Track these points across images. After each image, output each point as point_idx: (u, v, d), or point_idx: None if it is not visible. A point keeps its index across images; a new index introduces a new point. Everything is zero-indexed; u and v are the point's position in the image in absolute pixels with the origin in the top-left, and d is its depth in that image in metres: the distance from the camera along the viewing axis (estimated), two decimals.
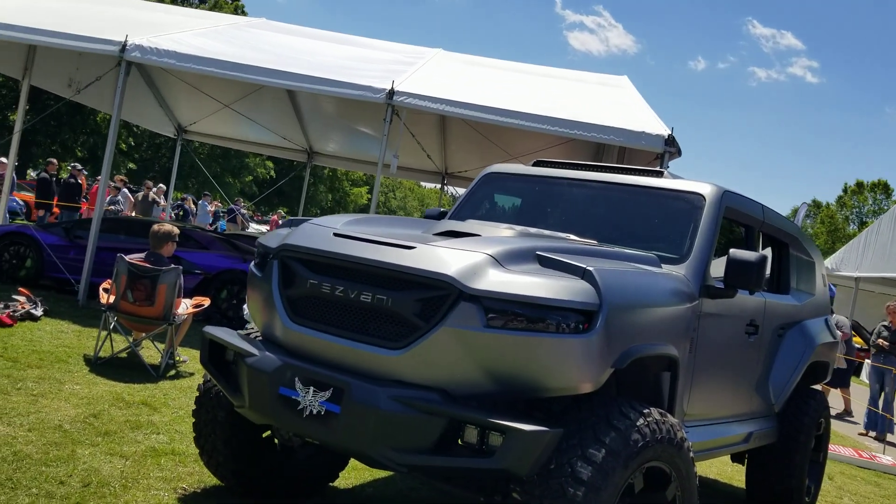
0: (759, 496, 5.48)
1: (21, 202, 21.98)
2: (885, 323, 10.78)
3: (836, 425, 11.38)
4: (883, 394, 10.63)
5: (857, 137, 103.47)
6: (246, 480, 4.04)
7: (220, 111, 14.30)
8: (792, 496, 5.32)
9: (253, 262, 3.81)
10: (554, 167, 5.09)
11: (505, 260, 3.17)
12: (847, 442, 9.89)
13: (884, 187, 58.97)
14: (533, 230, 4.14)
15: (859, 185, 60.91)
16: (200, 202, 25.22)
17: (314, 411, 3.10)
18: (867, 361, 11.23)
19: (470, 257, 3.13)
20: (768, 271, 5.57)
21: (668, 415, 3.32)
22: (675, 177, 4.75)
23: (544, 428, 2.89)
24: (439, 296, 3.05)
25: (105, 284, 6.84)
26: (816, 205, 65.14)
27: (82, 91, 11.34)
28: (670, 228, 4.43)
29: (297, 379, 3.19)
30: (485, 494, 3.29)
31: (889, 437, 10.64)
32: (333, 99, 13.02)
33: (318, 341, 3.27)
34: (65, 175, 18.06)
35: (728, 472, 6.79)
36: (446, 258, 3.13)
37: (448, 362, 3.03)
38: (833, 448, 8.80)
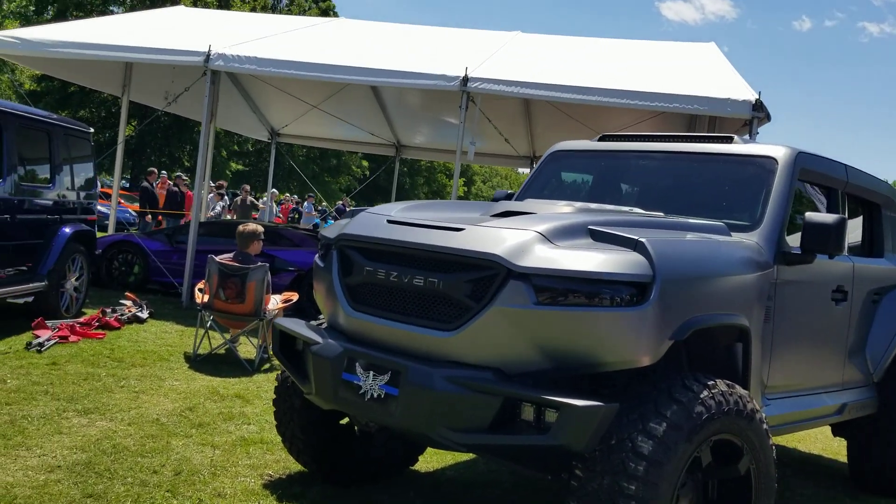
0: (862, 469, 5.21)
1: (133, 213, 23.34)
2: None
3: None
4: None
5: None
6: (326, 466, 4.18)
7: (310, 112, 14.72)
8: None
9: (317, 254, 3.93)
10: (620, 140, 4.99)
11: (554, 236, 3.15)
12: None
13: None
14: (594, 206, 4.08)
15: None
16: (305, 204, 26.07)
17: (375, 395, 3.18)
18: None
19: (518, 235, 3.12)
20: (859, 235, 5.27)
21: (737, 386, 3.21)
22: (747, 142, 4.56)
23: (598, 403, 2.85)
24: (488, 275, 3.06)
25: (200, 285, 7.19)
26: None
27: (175, 102, 11.90)
28: (741, 195, 4.27)
29: (357, 364, 3.28)
30: (551, 472, 3.28)
31: None
32: (416, 91, 13.17)
33: (376, 327, 3.34)
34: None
35: (834, 447, 6.48)
36: (494, 238, 3.14)
37: (500, 341, 3.04)
38: None
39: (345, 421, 4.22)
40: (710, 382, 3.10)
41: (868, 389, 4.97)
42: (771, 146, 4.38)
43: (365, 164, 50.40)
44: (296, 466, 4.40)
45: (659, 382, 3.08)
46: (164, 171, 18.26)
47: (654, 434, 2.88)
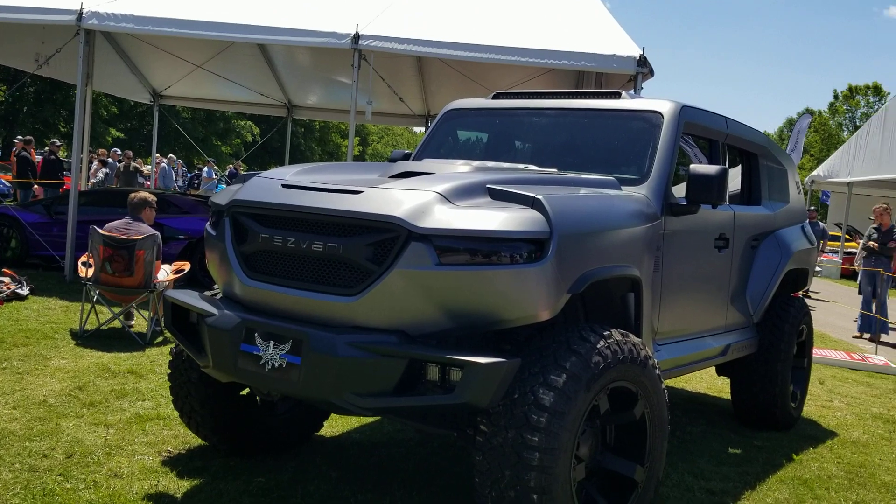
0: (744, 406, 5.55)
1: (6, 183, 21.85)
2: (875, 225, 10.78)
3: (830, 329, 11.52)
4: (875, 296, 10.69)
5: (847, 43, 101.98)
6: (228, 439, 4.09)
7: (194, 72, 14.10)
8: (776, 403, 5.39)
9: (208, 222, 3.78)
10: (514, 98, 5.02)
11: (453, 196, 3.14)
12: (840, 346, 9.99)
13: (875, 90, 58.27)
14: (491, 164, 4.10)
15: (851, 89, 60.16)
16: (206, 169, 24.88)
17: (276, 364, 3.12)
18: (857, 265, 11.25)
19: (417, 196, 3.10)
20: (739, 184, 5.54)
21: (630, 334, 3.33)
22: (634, 97, 4.68)
23: (501, 359, 2.90)
24: (389, 238, 3.03)
25: (83, 258, 6.83)
26: (809, 113, 64.60)
27: (47, 64, 11.12)
28: (630, 150, 4.39)
29: (256, 334, 3.20)
30: (457, 429, 3.33)
31: (883, 338, 10.74)
32: (305, 49, 12.80)
33: (275, 295, 3.26)
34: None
35: (718, 385, 6.87)
36: (394, 199, 3.11)
37: (403, 304, 3.03)
38: (825, 352, 8.91)
39: (245, 391, 4.13)
40: (606, 333, 3.20)
41: (749, 330, 5.28)
42: (656, 101, 4.50)
43: (252, 125, 48.85)
44: (196, 441, 4.29)
45: (558, 335, 3.16)
46: (22, 136, 16.92)
47: (555, 385, 2.96)
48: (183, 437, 4.35)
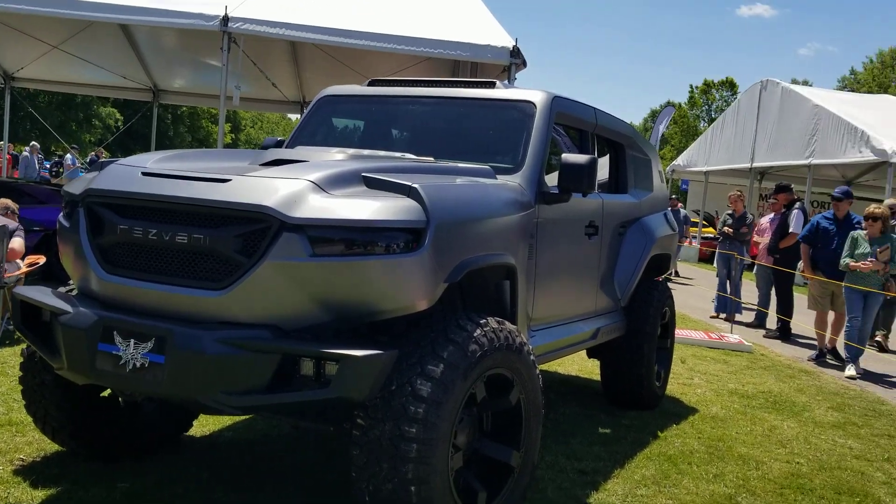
0: (613, 387, 5.77)
1: None
2: (729, 211, 11.48)
3: (689, 311, 12.18)
4: (730, 278, 11.39)
5: (703, 40, 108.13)
6: (88, 443, 3.84)
7: (51, 53, 13.17)
8: (642, 382, 5.63)
9: (61, 213, 3.52)
10: (389, 85, 4.97)
11: (327, 185, 3.06)
12: (699, 326, 10.59)
13: (730, 85, 62.10)
14: (366, 152, 4.04)
15: (707, 84, 63.86)
16: (68, 156, 23.25)
17: (138, 364, 2.93)
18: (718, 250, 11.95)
19: (290, 185, 3.00)
20: (607, 173, 5.73)
21: (506, 322, 3.37)
22: (508, 87, 4.73)
23: (377, 351, 2.86)
24: (260, 229, 2.92)
25: None
26: (671, 106, 68.05)
27: None
28: (505, 139, 4.44)
29: (115, 333, 3.00)
30: (333, 424, 3.26)
31: (737, 318, 11.46)
32: (172, 30, 12.19)
33: (136, 290, 3.07)
34: None
35: (588, 367, 7.11)
36: (264, 188, 2.99)
37: (276, 297, 2.93)
38: (685, 332, 9.41)
39: (107, 392, 3.89)
40: (483, 321, 3.22)
41: (617, 314, 5.48)
42: (530, 91, 4.57)
43: (118, 115, 46.31)
44: (53, 447, 4.01)
45: (435, 325, 3.15)
46: None
47: (433, 375, 2.95)
48: (38, 444, 4.05)
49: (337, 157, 3.64)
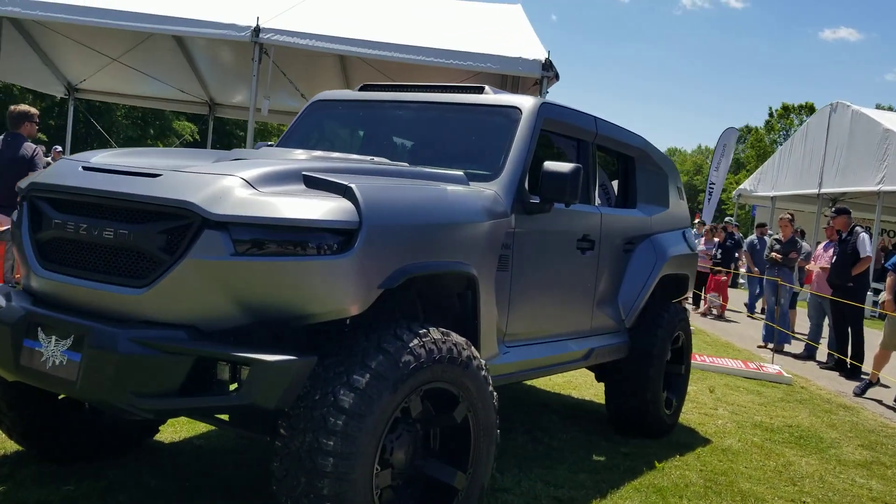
0: (616, 412, 5.46)
1: None
2: (777, 236, 10.93)
3: (737, 339, 11.64)
4: (778, 306, 10.82)
5: (784, 63, 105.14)
6: (43, 443, 3.78)
7: (112, 66, 13.60)
8: (648, 410, 5.30)
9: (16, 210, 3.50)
10: (381, 90, 4.85)
11: (259, 182, 2.93)
12: (742, 355, 10.07)
13: (809, 109, 60.03)
14: (335, 154, 3.90)
15: (785, 108, 62.01)
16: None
17: (56, 362, 2.85)
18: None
19: (218, 181, 2.88)
20: (616, 186, 5.46)
21: (453, 333, 3.17)
22: (497, 93, 4.55)
23: (291, 357, 2.70)
24: (182, 225, 2.81)
25: None
26: (748, 130, 66.20)
27: None
28: (486, 145, 4.25)
29: (39, 329, 2.93)
30: (269, 434, 3.11)
31: (787, 349, 10.88)
32: (225, 45, 12.41)
33: (66, 287, 3.00)
34: None
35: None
36: (191, 183, 2.88)
37: (195, 296, 2.81)
38: (721, 361, 8.96)
39: None
40: (422, 331, 3.03)
41: (620, 335, 5.19)
42: (517, 96, 4.39)
43: (191, 126, 47.75)
44: (12, 446, 3.97)
45: (371, 333, 2.98)
46: None
47: (357, 386, 2.78)
48: (2, 442, 4.02)
49: (298, 157, 3.52)
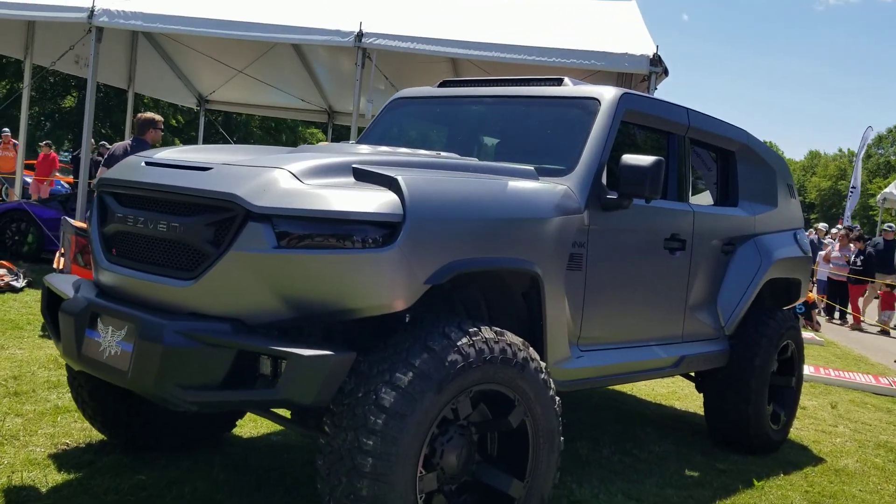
0: (715, 425, 5.09)
1: (66, 185, 22.63)
2: None
3: (873, 353, 10.72)
4: None
5: None
6: (121, 433, 3.90)
7: (237, 77, 14.26)
8: (749, 423, 4.89)
9: None
10: (459, 86, 4.74)
11: (306, 174, 2.88)
12: (875, 369, 9.23)
13: None
14: (402, 150, 3.81)
15: None
16: None
17: (112, 352, 2.91)
18: None
19: (264, 173, 2.86)
20: (718, 182, 5.09)
21: (508, 333, 3.00)
22: (577, 84, 4.33)
23: (328, 352, 2.62)
24: (227, 218, 2.80)
25: (62, 249, 6.83)
26: (870, 128, 61.25)
27: (86, 65, 11.33)
28: (562, 138, 4.05)
29: (99, 319, 3.01)
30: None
31: None
32: (341, 53, 12.69)
33: (126, 279, 3.06)
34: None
35: None
36: (238, 176, 2.87)
37: (240, 289, 2.78)
38: (849, 375, 8.24)
39: None
40: (473, 329, 2.88)
41: (717, 342, 4.82)
42: (597, 87, 4.16)
43: (320, 133, 49.42)
44: (99, 435, 4.12)
45: (418, 330, 2.86)
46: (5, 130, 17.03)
47: (399, 385, 2.67)
48: (90, 431, 4.19)
49: (356, 152, 3.46)
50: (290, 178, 2.84)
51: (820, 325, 13.07)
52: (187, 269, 2.86)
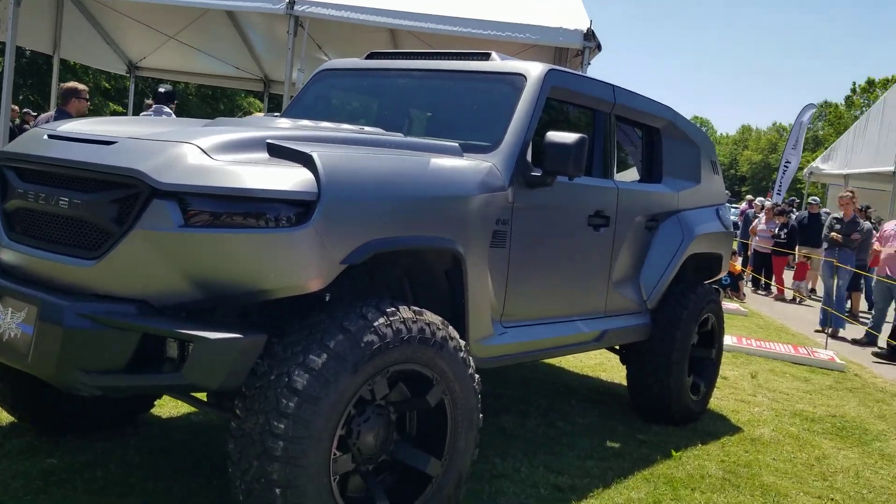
0: (638, 396, 5.19)
1: None
2: (837, 215, 10.31)
3: (795, 322, 11.09)
4: (836, 289, 10.24)
5: (871, 35, 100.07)
6: (34, 415, 3.77)
7: (168, 43, 13.79)
8: (670, 395, 5.01)
9: None
10: (387, 58, 4.65)
11: (215, 150, 2.78)
12: (795, 339, 9.57)
13: None
14: (324, 123, 3.72)
15: (870, 82, 58.90)
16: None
17: (12, 334, 2.79)
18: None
19: (170, 149, 2.75)
20: (643, 159, 5.14)
21: (426, 312, 2.98)
22: (504, 59, 4.29)
23: (236, 335, 2.56)
24: (131, 195, 2.69)
25: None
26: (827, 105, 63.25)
27: (2, 28, 10.80)
28: (488, 114, 4.02)
29: (0, 300, 2.87)
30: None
31: (851, 334, 10.30)
32: (277, 21, 12.37)
33: (28, 258, 2.93)
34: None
35: None
36: (143, 151, 2.76)
37: (145, 270, 2.68)
38: (769, 345, 8.52)
39: None
40: (390, 309, 2.85)
41: (640, 316, 4.91)
42: (523, 63, 4.13)
43: (259, 102, 48.35)
44: (8, 417, 3.98)
45: (335, 311, 2.82)
46: None
47: (312, 367, 2.62)
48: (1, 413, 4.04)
49: (275, 126, 3.36)
50: (199, 154, 2.74)
51: (745, 295, 13.47)
52: (90, 249, 2.75)
